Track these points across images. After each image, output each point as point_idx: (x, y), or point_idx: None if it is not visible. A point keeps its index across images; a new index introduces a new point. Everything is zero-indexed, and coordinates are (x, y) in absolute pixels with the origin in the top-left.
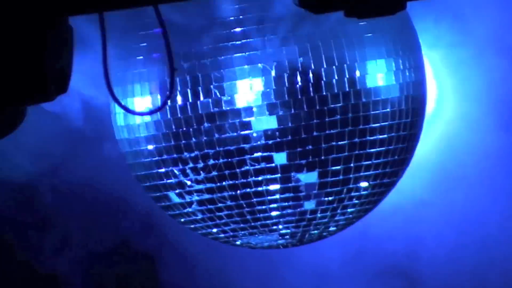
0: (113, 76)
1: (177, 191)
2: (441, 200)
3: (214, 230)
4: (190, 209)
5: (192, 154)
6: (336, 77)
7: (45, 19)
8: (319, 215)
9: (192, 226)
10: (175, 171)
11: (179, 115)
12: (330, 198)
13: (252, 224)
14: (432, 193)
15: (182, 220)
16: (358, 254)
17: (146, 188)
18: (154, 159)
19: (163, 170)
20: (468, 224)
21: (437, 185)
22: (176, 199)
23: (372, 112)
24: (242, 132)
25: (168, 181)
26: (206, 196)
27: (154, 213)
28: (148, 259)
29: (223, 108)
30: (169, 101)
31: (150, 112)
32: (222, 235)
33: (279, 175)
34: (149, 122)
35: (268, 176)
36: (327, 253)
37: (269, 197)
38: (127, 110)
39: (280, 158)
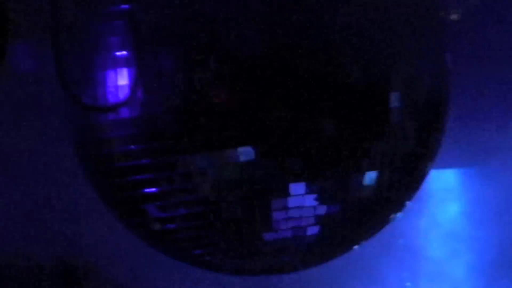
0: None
1: (158, 203)
2: None
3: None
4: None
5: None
6: None
7: None
8: None
9: (174, 248)
10: (157, 178)
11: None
12: None
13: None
14: None
15: (162, 240)
16: None
17: (114, 203)
18: (127, 164)
19: (140, 177)
20: None
21: None
22: (156, 213)
23: None
24: None
25: (147, 190)
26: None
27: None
28: None
29: None
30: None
31: (116, 106)
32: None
33: None
34: (121, 119)
35: None
36: None
37: None
38: (86, 106)
39: None
